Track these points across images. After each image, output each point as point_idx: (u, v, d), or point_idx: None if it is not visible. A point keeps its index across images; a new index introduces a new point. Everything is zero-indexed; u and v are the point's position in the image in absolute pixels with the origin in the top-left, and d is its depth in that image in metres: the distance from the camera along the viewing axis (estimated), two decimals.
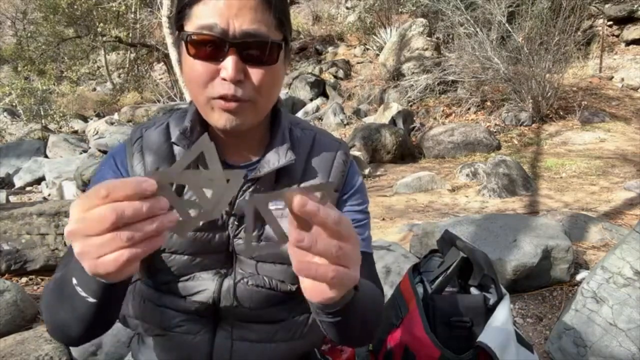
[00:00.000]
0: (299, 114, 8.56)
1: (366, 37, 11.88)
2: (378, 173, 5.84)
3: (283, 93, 9.40)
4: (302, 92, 9.87)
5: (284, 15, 0.75)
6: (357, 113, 8.36)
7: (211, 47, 0.71)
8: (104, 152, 6.43)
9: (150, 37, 14.54)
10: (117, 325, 0.78)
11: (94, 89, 15.91)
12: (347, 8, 13.96)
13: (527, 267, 2.24)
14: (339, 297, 0.54)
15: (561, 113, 7.15)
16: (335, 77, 10.80)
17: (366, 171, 5.62)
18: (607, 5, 9.38)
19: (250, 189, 0.82)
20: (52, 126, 10.07)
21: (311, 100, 9.65)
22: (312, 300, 0.55)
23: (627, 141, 6.17)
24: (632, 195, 4.08)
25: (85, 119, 11.46)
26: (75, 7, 12.27)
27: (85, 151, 7.19)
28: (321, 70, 11.11)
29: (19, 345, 1.78)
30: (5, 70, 15.13)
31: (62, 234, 2.87)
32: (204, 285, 0.83)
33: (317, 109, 8.97)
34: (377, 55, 10.54)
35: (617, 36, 9.45)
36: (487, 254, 1.37)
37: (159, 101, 11.82)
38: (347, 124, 7.86)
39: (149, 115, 9.56)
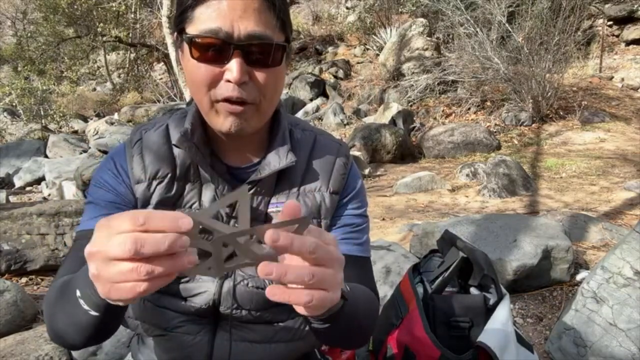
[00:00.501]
0: (299, 114, 8.56)
1: (366, 37, 11.88)
2: (378, 173, 5.85)
3: (283, 93, 9.39)
4: (302, 92, 9.87)
5: (286, 16, 0.75)
6: (357, 113, 8.36)
7: (215, 50, 0.70)
8: (104, 152, 6.43)
9: (150, 37, 14.54)
10: None
11: (94, 89, 15.91)
12: (347, 8, 13.96)
13: (527, 267, 2.24)
14: (320, 313, 0.54)
15: (561, 113, 7.15)
16: (335, 77, 10.80)
17: (366, 171, 5.63)
18: (607, 5, 9.38)
19: (251, 191, 0.82)
20: (52, 126, 10.08)
21: (311, 100, 9.65)
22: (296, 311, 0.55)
23: (627, 141, 6.18)
24: (632, 195, 4.08)
25: (85, 119, 11.47)
26: (75, 7, 12.28)
27: (85, 151, 7.20)
28: (321, 70, 11.11)
29: (19, 345, 1.78)
30: (5, 70, 15.12)
31: (62, 234, 2.88)
32: (204, 287, 0.82)
33: (317, 109, 8.97)
34: (377, 55, 10.54)
35: (617, 36, 9.45)
36: (487, 254, 1.37)
37: (159, 101, 11.83)
38: (347, 124, 7.86)
39: (149, 115, 9.56)
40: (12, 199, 5.25)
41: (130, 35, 13.41)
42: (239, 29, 0.69)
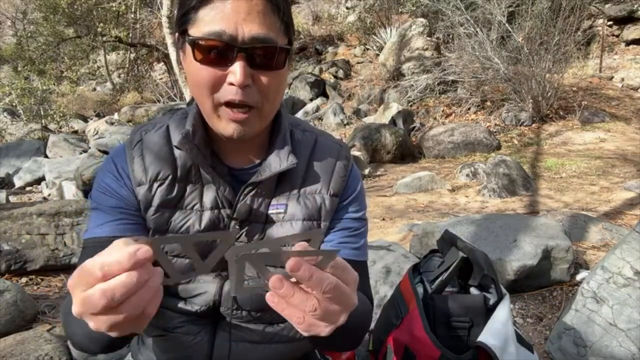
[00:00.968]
0: (299, 114, 8.56)
1: (366, 37, 11.88)
2: (378, 173, 5.85)
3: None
4: (302, 92, 9.87)
5: (289, 18, 0.74)
6: (357, 113, 8.36)
7: (219, 52, 0.69)
8: (104, 152, 6.43)
9: (150, 37, 14.53)
10: None
11: (94, 89, 15.91)
12: (347, 8, 13.96)
13: (527, 267, 2.24)
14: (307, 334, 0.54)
15: (561, 113, 7.16)
16: (335, 77, 10.80)
17: (366, 171, 5.63)
18: (607, 5, 9.39)
19: (252, 193, 0.82)
20: (52, 126, 10.07)
21: (311, 100, 9.65)
22: None
23: (627, 141, 6.18)
24: (632, 195, 4.08)
25: (85, 119, 11.46)
26: (75, 7, 12.27)
27: (85, 151, 7.19)
28: (321, 70, 11.11)
29: (19, 345, 1.78)
30: (5, 70, 15.11)
31: (62, 234, 2.88)
32: (204, 288, 0.83)
33: (317, 109, 8.97)
34: (377, 55, 10.54)
35: (617, 36, 9.45)
36: (487, 254, 1.37)
37: (159, 101, 11.83)
38: (347, 124, 7.86)
39: (149, 115, 9.56)
40: (12, 199, 5.25)
41: (130, 35, 13.40)
42: (243, 32, 0.68)
